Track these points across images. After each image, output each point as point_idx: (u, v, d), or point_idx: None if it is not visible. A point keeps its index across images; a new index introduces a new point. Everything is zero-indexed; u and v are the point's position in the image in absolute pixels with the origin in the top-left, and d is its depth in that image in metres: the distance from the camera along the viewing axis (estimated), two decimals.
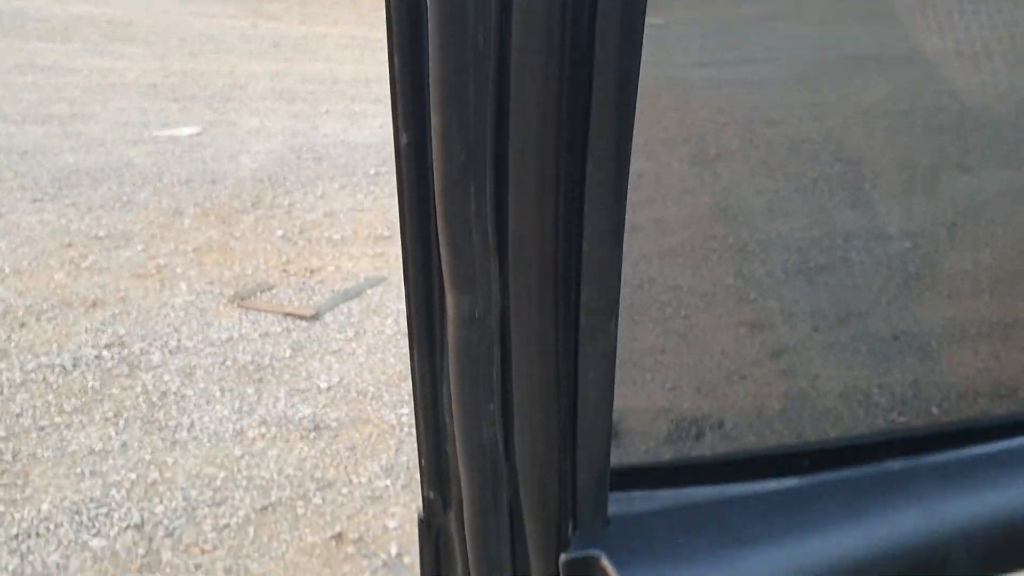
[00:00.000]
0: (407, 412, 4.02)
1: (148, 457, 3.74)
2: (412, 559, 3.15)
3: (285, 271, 5.64)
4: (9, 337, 4.72)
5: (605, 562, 0.84)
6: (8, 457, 3.72)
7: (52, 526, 3.32)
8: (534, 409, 0.81)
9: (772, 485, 0.94)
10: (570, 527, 0.85)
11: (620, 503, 0.88)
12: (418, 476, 0.92)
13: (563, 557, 0.85)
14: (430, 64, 0.68)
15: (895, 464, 0.98)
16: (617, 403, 0.83)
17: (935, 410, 1.11)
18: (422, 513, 0.97)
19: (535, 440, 0.82)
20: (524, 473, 0.84)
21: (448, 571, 1.01)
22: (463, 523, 0.90)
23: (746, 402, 1.08)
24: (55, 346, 4.63)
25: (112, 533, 3.29)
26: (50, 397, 4.16)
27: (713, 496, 0.94)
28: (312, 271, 5.65)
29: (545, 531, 0.85)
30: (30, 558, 3.15)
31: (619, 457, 0.87)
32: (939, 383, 1.13)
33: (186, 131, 8.99)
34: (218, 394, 4.22)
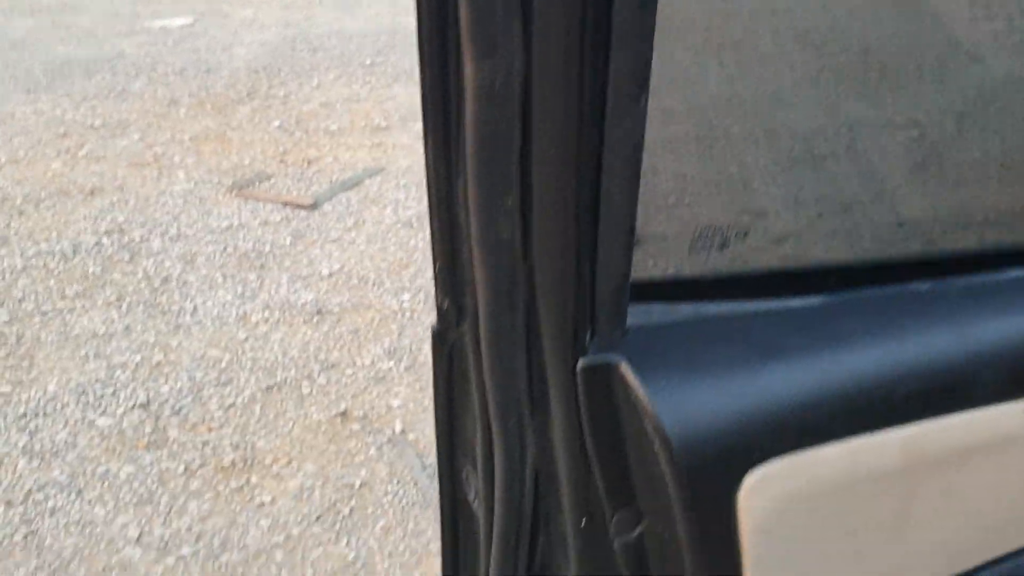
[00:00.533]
0: (408, 298, 4.07)
1: (152, 340, 3.78)
2: (416, 435, 3.22)
3: (283, 161, 5.63)
4: (8, 225, 4.73)
5: (625, 367, 0.80)
6: (12, 340, 3.77)
7: (59, 406, 3.38)
8: (554, 203, 0.75)
9: (796, 303, 0.91)
10: (588, 333, 0.81)
11: (639, 315, 0.84)
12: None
13: (581, 363, 0.81)
14: None
15: (923, 285, 0.95)
16: (639, 211, 0.78)
17: None
18: (436, 325, 0.92)
19: (554, 238, 0.77)
20: (542, 274, 0.80)
21: (461, 391, 0.97)
22: (478, 335, 0.86)
23: (771, 216, 1.05)
24: (54, 233, 4.65)
25: (119, 412, 3.35)
26: (51, 283, 4.20)
27: (735, 311, 0.90)
28: (310, 161, 5.64)
29: (562, 336, 0.81)
30: (39, 436, 3.22)
31: (639, 268, 0.82)
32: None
33: (178, 22, 8.87)
34: (220, 280, 4.25)
